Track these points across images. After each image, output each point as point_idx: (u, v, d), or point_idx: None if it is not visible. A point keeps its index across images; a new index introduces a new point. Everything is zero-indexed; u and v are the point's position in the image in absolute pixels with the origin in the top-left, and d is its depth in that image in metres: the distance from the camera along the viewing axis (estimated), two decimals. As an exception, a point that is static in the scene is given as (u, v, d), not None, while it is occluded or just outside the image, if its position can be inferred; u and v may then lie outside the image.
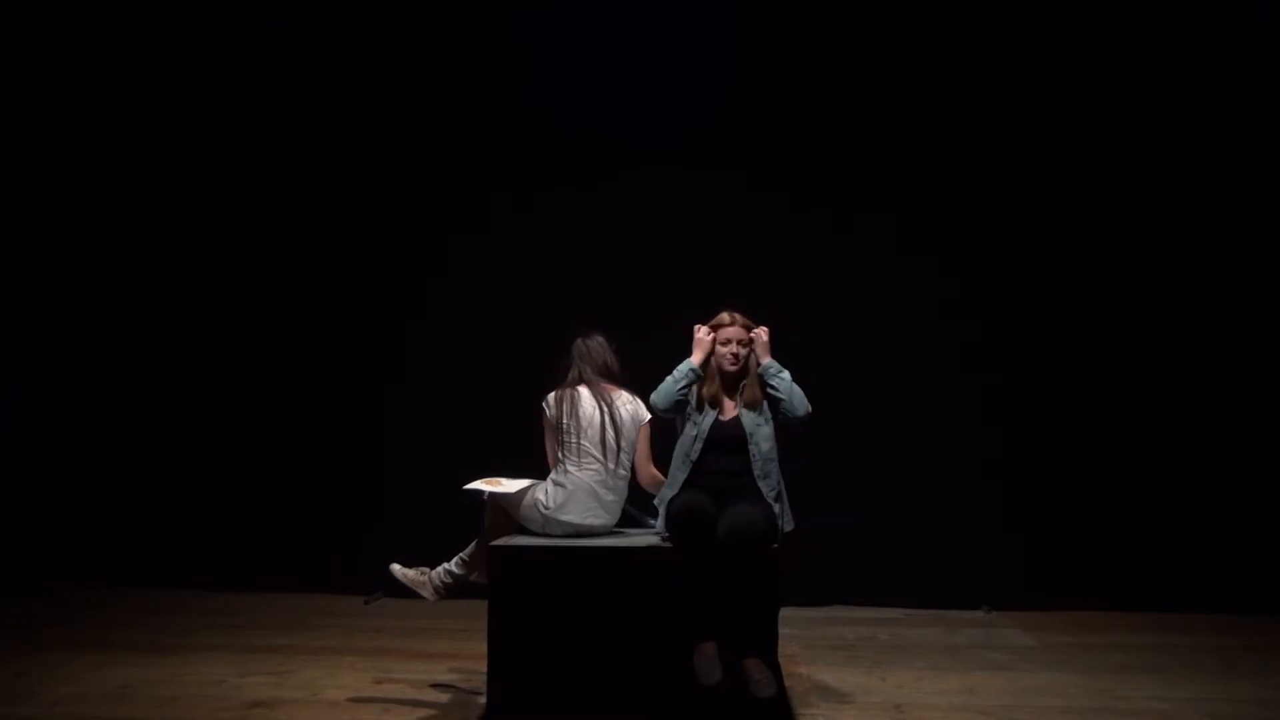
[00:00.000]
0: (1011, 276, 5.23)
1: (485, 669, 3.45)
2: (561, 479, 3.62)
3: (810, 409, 3.57)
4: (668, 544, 3.34)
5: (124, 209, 5.73)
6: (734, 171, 5.35)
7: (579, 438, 3.63)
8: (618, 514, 3.70)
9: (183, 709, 3.53)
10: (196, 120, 5.67)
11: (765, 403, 3.56)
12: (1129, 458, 5.13)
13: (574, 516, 3.59)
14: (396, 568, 3.82)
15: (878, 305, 5.28)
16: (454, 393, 5.38)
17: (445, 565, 3.78)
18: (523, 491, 3.66)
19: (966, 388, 5.20)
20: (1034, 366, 5.20)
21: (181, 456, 5.60)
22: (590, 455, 3.62)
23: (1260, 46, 5.15)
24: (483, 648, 3.44)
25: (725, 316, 3.63)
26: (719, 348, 3.59)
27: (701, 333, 3.62)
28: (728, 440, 3.49)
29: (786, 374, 3.57)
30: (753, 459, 3.46)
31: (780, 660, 3.33)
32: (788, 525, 3.50)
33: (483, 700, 3.52)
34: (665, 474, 3.60)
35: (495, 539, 3.60)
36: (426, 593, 3.77)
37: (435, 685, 3.82)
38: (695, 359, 3.58)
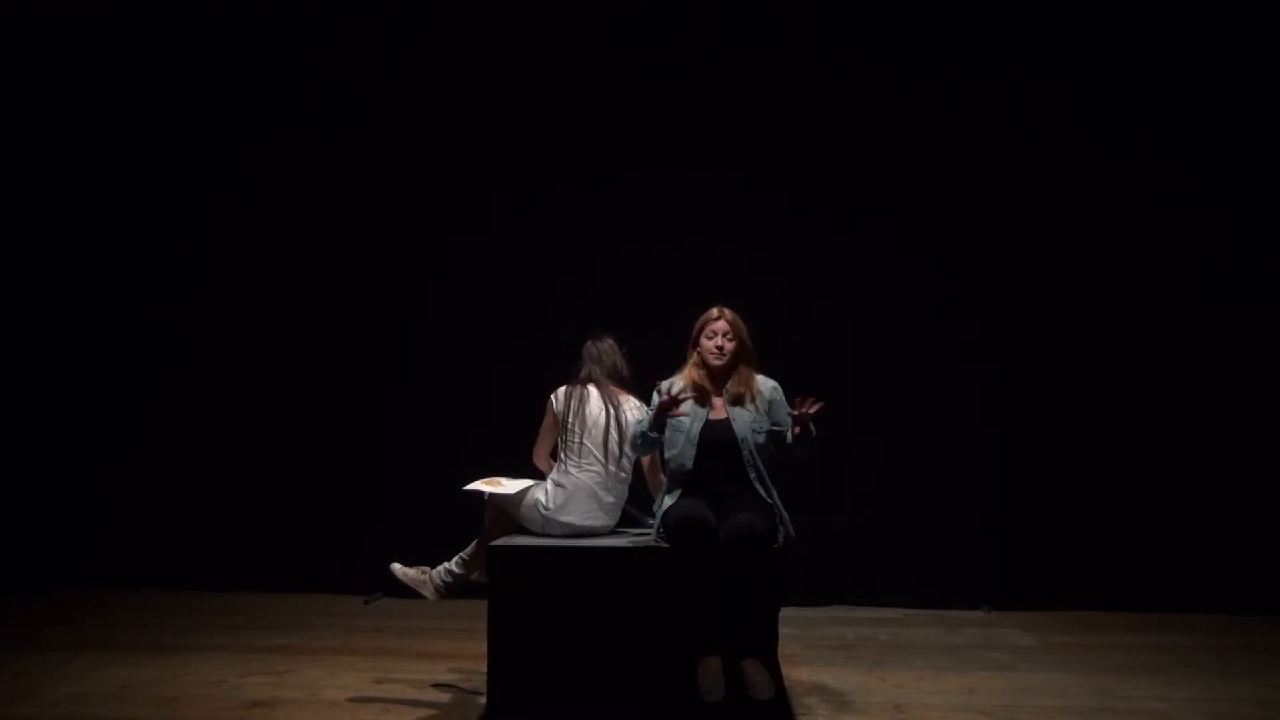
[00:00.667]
0: (1011, 276, 5.23)
1: (485, 669, 3.45)
2: (562, 479, 3.62)
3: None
4: (663, 544, 3.32)
5: (124, 209, 5.73)
6: (734, 171, 5.34)
7: (583, 437, 3.63)
8: (617, 515, 3.70)
9: (183, 709, 3.53)
10: (196, 120, 5.67)
11: (756, 397, 3.47)
12: (1129, 457, 5.13)
13: (574, 517, 3.59)
14: (397, 567, 3.82)
15: (878, 305, 5.28)
16: (454, 393, 5.38)
17: (445, 565, 3.78)
18: (523, 492, 3.66)
19: (966, 387, 5.21)
20: (1034, 366, 5.20)
21: (181, 456, 5.60)
22: (592, 456, 3.62)
23: (1260, 46, 5.15)
24: (483, 648, 3.44)
25: (714, 311, 3.52)
26: (704, 341, 3.48)
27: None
28: (720, 444, 3.40)
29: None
30: (747, 465, 3.39)
31: (780, 660, 3.33)
32: (789, 533, 3.46)
33: (483, 700, 3.52)
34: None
35: (495, 539, 3.60)
36: (427, 592, 3.77)
37: (435, 685, 3.82)
38: (646, 421, 3.43)
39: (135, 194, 5.72)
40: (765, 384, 3.53)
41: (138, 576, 5.54)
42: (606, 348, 3.79)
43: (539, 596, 3.38)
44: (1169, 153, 5.18)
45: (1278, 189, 5.15)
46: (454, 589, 3.78)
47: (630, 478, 3.70)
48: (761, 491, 3.40)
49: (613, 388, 3.72)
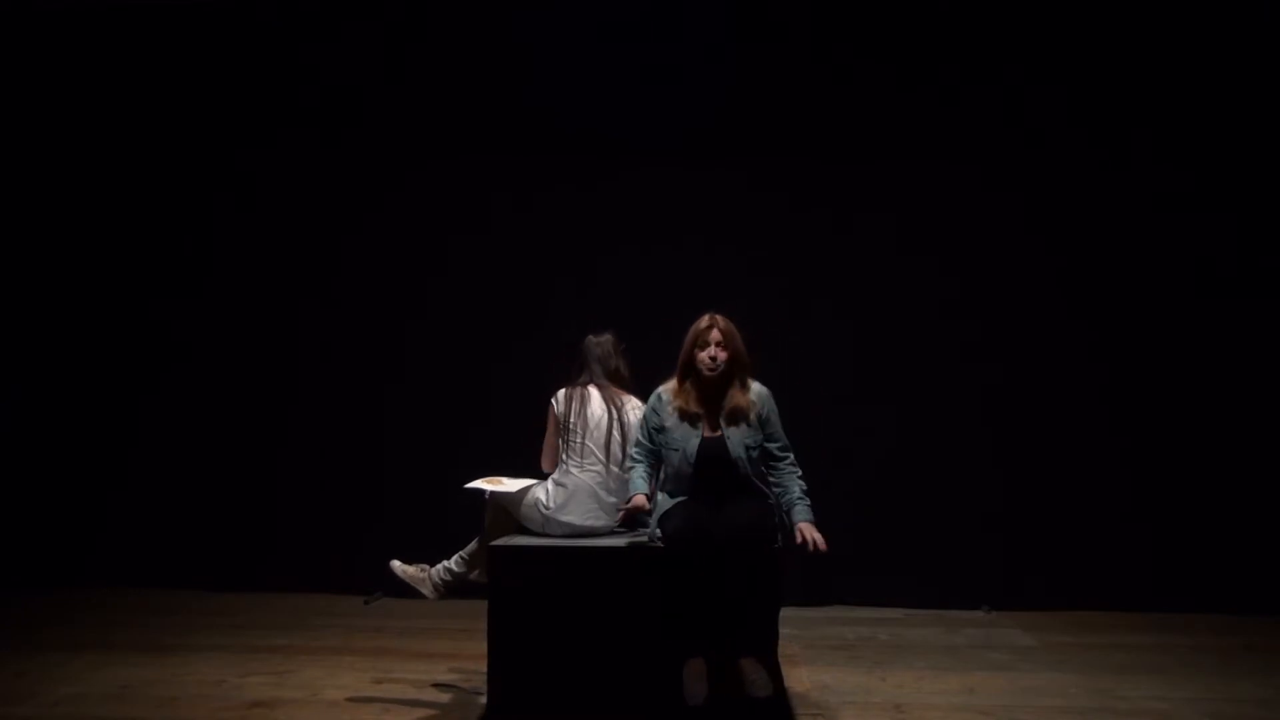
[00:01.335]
0: (1011, 276, 5.23)
1: (485, 669, 3.45)
2: (563, 479, 3.62)
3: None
4: (658, 544, 3.31)
5: (124, 209, 5.73)
6: (734, 171, 5.34)
7: (584, 438, 3.62)
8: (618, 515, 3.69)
9: (183, 709, 3.53)
10: (196, 120, 5.67)
11: (750, 411, 3.40)
12: (1129, 457, 5.13)
13: (574, 517, 3.59)
14: (397, 564, 3.83)
15: (878, 305, 5.28)
16: (454, 393, 5.38)
17: (445, 563, 3.78)
18: (523, 491, 3.66)
19: (966, 387, 5.20)
20: (1034, 366, 5.20)
21: (181, 456, 5.60)
22: (593, 456, 3.62)
23: (1260, 46, 5.15)
24: (483, 648, 3.44)
25: (704, 320, 3.41)
26: (697, 352, 3.38)
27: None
28: (717, 460, 3.36)
29: (806, 499, 3.40)
30: (740, 475, 3.37)
31: (780, 660, 3.33)
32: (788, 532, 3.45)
33: (483, 700, 3.52)
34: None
35: (495, 538, 3.60)
36: (426, 590, 3.77)
37: (435, 685, 3.82)
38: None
39: (135, 194, 5.72)
40: (758, 396, 3.45)
41: (138, 576, 5.54)
42: (607, 347, 3.77)
43: (539, 596, 3.38)
44: (1169, 153, 5.17)
45: (1278, 189, 5.15)
46: (453, 588, 3.78)
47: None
48: (761, 488, 3.40)
49: (614, 389, 3.72)
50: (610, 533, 3.66)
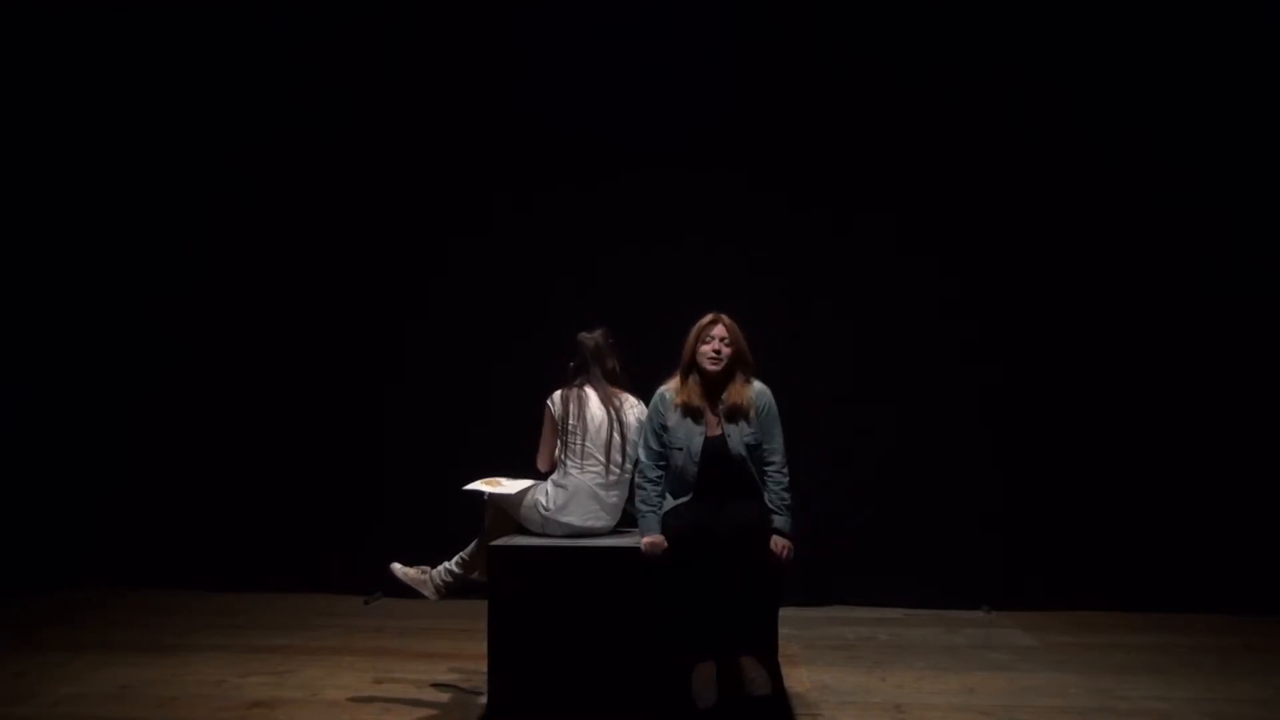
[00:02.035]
0: (1011, 276, 5.23)
1: (485, 669, 3.45)
2: (563, 480, 3.62)
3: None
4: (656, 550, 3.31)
5: (124, 209, 5.72)
6: (734, 171, 5.34)
7: (584, 440, 3.62)
8: (618, 515, 3.69)
9: (183, 709, 3.53)
10: (196, 120, 5.67)
11: (750, 409, 3.41)
12: (1129, 457, 5.13)
13: (574, 518, 3.58)
14: (397, 567, 3.82)
15: (878, 305, 5.28)
16: (454, 393, 5.38)
17: (446, 564, 3.78)
18: (523, 492, 3.66)
19: (966, 387, 5.20)
20: (1034, 366, 5.20)
21: (181, 456, 5.60)
22: (593, 457, 3.61)
23: (1260, 46, 5.15)
24: (483, 648, 3.44)
25: (709, 316, 3.47)
26: (700, 346, 3.42)
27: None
28: (720, 458, 3.38)
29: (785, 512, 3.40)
30: (740, 475, 3.38)
31: (780, 660, 3.33)
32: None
33: (483, 700, 3.52)
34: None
35: (495, 539, 3.60)
36: (428, 591, 3.77)
37: (435, 685, 3.82)
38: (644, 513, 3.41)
39: (135, 194, 5.72)
40: (759, 394, 3.46)
41: (138, 576, 5.54)
42: (603, 345, 3.75)
43: (539, 596, 3.39)
44: (1169, 153, 5.17)
45: (1278, 189, 5.15)
46: (454, 589, 3.78)
47: (630, 477, 3.69)
48: (757, 489, 3.39)
49: (611, 388, 3.71)
50: (610, 533, 3.66)
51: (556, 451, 3.68)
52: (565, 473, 3.62)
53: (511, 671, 3.37)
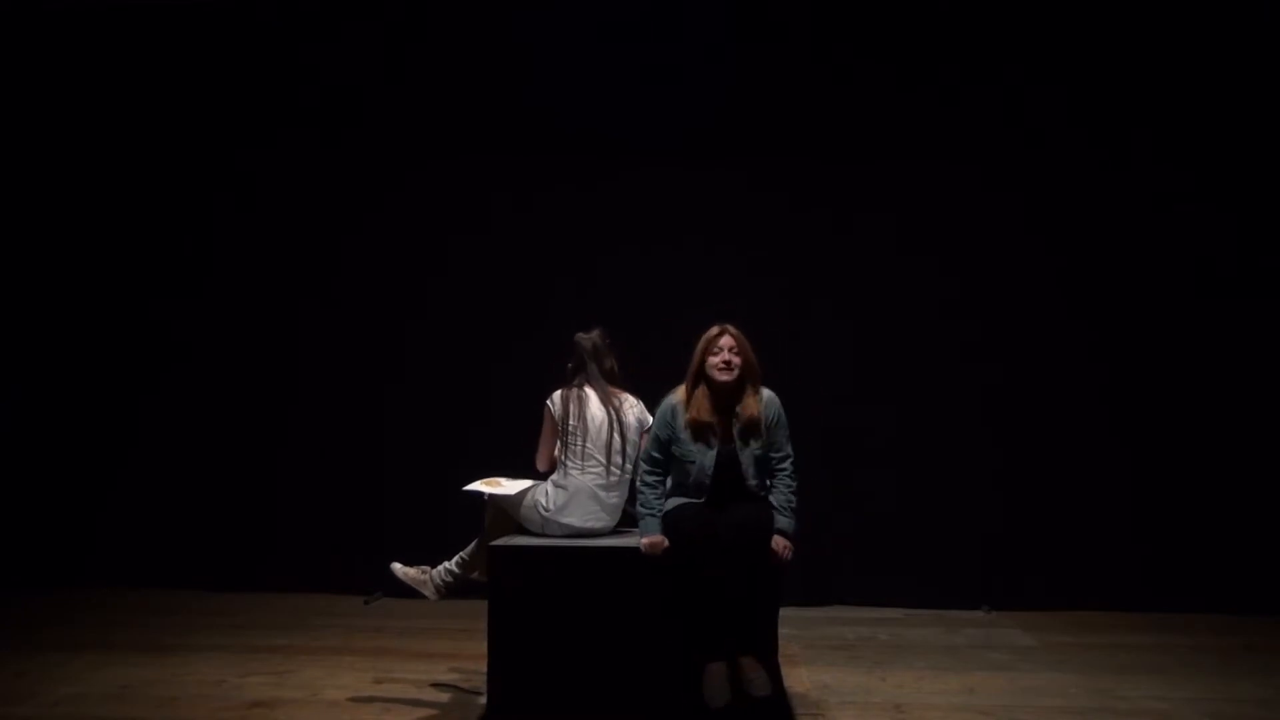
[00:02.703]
0: (1011, 276, 5.23)
1: (485, 669, 3.45)
2: (563, 481, 3.62)
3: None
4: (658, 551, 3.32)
5: (124, 209, 5.72)
6: (734, 171, 5.34)
7: (584, 440, 3.61)
8: (618, 516, 3.69)
9: (183, 709, 3.53)
10: (196, 120, 5.67)
11: (761, 422, 3.39)
12: (1129, 457, 5.13)
13: (574, 519, 3.58)
14: (397, 567, 3.82)
15: (877, 305, 5.28)
16: (454, 393, 5.38)
17: (446, 564, 3.78)
18: (522, 493, 3.66)
19: (966, 387, 5.21)
20: (1034, 366, 5.20)
21: (182, 456, 5.60)
22: (594, 458, 3.61)
23: (1260, 46, 5.14)
24: (483, 648, 3.44)
25: (716, 328, 3.44)
26: (709, 359, 3.39)
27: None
28: (732, 469, 3.39)
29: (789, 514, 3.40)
30: (746, 482, 3.39)
31: (780, 660, 3.33)
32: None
33: (483, 700, 3.52)
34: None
35: (495, 539, 3.60)
36: (428, 591, 3.77)
37: (435, 685, 3.82)
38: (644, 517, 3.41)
39: (135, 194, 5.72)
40: (769, 404, 3.44)
41: (138, 576, 5.54)
42: (601, 345, 3.74)
43: (539, 596, 3.38)
44: (1169, 153, 5.17)
45: (1278, 189, 5.15)
46: (454, 589, 3.78)
47: (631, 478, 3.69)
48: (761, 492, 3.40)
49: (610, 388, 3.71)
50: (611, 533, 3.65)
51: (556, 452, 3.67)
52: (565, 473, 3.62)
53: (511, 671, 3.37)
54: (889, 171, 5.29)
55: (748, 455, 3.38)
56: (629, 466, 3.66)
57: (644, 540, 3.33)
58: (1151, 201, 5.18)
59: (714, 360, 3.39)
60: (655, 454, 3.46)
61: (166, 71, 5.69)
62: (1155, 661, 4.13)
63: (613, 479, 3.63)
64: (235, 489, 5.53)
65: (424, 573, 3.80)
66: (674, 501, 3.41)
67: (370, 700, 3.63)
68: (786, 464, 3.44)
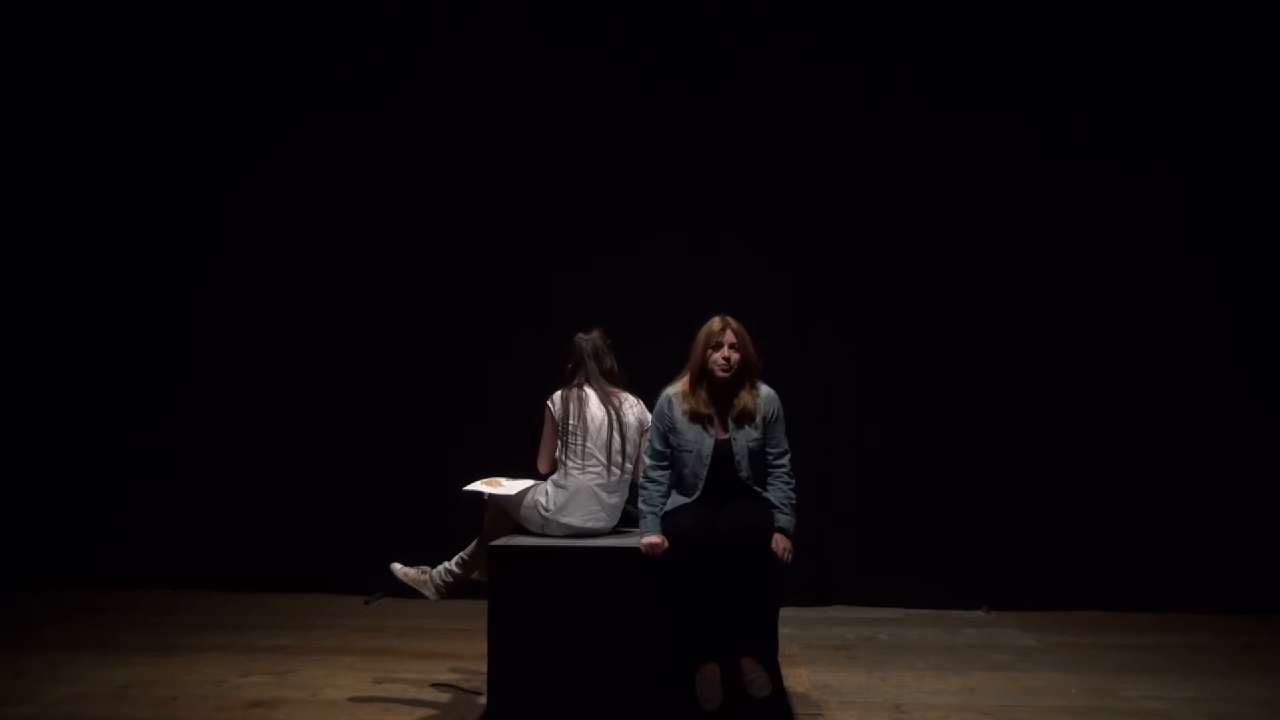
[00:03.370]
0: (1012, 276, 5.22)
1: (485, 669, 3.45)
2: (563, 481, 3.62)
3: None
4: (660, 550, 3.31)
5: (124, 209, 5.72)
6: (735, 171, 5.34)
7: (584, 440, 3.61)
8: (618, 516, 3.69)
9: (183, 709, 3.53)
10: (196, 120, 5.66)
11: (758, 414, 3.40)
12: (1129, 457, 5.13)
13: (575, 519, 3.58)
14: (397, 567, 3.83)
15: (878, 305, 5.28)
16: (454, 393, 5.38)
17: (446, 564, 3.78)
18: (522, 493, 3.65)
19: (967, 387, 5.20)
20: (1034, 366, 5.20)
21: (182, 456, 5.60)
22: (594, 458, 3.61)
23: (1260, 46, 5.14)
24: (483, 648, 3.44)
25: (716, 322, 3.42)
26: (710, 353, 3.39)
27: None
28: (728, 462, 3.38)
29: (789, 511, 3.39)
30: (741, 477, 3.38)
31: (780, 660, 3.33)
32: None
33: (483, 700, 3.52)
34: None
35: (495, 539, 3.60)
36: (428, 591, 3.78)
37: (435, 685, 3.82)
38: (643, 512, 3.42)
39: (135, 194, 5.71)
40: (766, 399, 3.45)
41: (138, 576, 5.54)
42: (600, 345, 3.74)
43: (539, 596, 3.38)
44: (1169, 152, 5.17)
45: (1278, 189, 5.15)
46: (454, 589, 3.78)
47: (631, 478, 3.69)
48: (759, 490, 3.40)
49: (610, 388, 3.71)
50: (611, 533, 3.65)
51: (557, 452, 3.68)
52: (566, 473, 3.62)
53: (511, 672, 3.37)
54: (890, 172, 5.28)
55: (742, 446, 3.38)
56: (629, 466, 3.66)
57: (643, 541, 3.33)
58: (1152, 201, 5.17)
59: (715, 357, 3.39)
60: (658, 446, 3.45)
61: (166, 72, 5.68)
62: (1155, 661, 4.13)
63: (613, 479, 3.63)
64: (235, 489, 5.53)
65: (424, 573, 3.80)
66: (673, 501, 3.41)
67: (370, 700, 3.63)
68: (785, 460, 3.44)
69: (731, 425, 3.40)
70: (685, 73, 5.35)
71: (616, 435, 3.62)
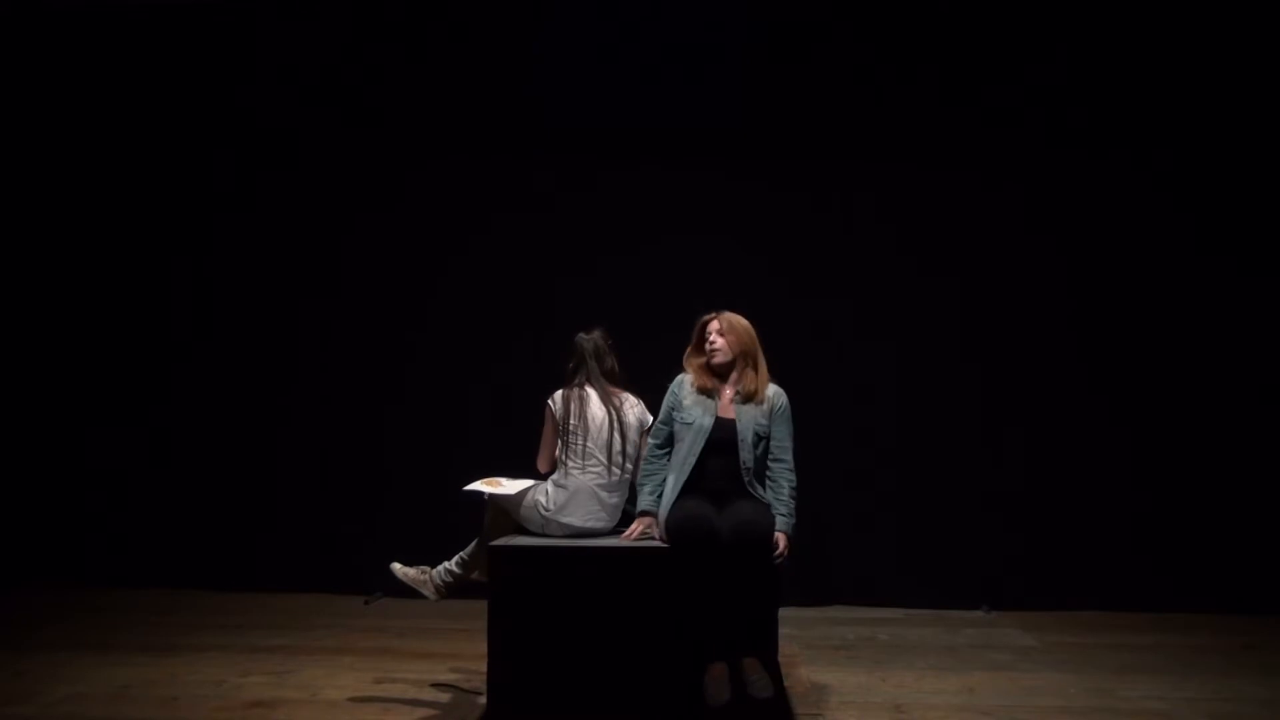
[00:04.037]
0: (1013, 276, 5.23)
1: (485, 669, 3.45)
2: (563, 481, 3.62)
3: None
4: (664, 544, 3.33)
5: (124, 210, 5.72)
6: (736, 171, 5.34)
7: (585, 440, 3.62)
8: (618, 516, 3.69)
9: (183, 709, 3.53)
10: (196, 121, 5.66)
11: (763, 397, 3.47)
12: (1129, 457, 5.13)
13: (575, 519, 3.58)
14: (397, 567, 3.83)
15: (878, 305, 5.28)
16: (454, 392, 5.38)
17: (446, 564, 3.78)
18: (522, 493, 3.65)
19: (966, 387, 5.20)
20: (1035, 366, 5.20)
21: (182, 456, 5.60)
22: (594, 458, 3.61)
23: (1261, 46, 5.14)
24: (483, 648, 3.44)
25: (709, 313, 3.60)
26: (705, 346, 3.56)
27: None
28: (726, 441, 3.41)
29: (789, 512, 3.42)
30: (743, 466, 3.39)
31: (780, 660, 3.33)
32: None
33: (483, 700, 3.52)
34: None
35: (495, 539, 3.60)
36: (428, 591, 3.78)
37: (435, 685, 3.82)
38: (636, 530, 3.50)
39: (135, 194, 5.72)
40: (775, 395, 3.52)
41: (138, 576, 5.54)
42: (601, 344, 3.75)
43: (539, 596, 3.38)
44: (1169, 152, 5.17)
45: (1278, 189, 5.14)
46: (454, 589, 3.78)
47: (631, 478, 3.70)
48: (758, 492, 3.40)
49: (610, 387, 3.71)
50: (611, 533, 3.65)
51: (557, 452, 3.68)
52: (566, 473, 3.62)
53: (511, 672, 3.37)
54: (892, 172, 5.28)
55: (747, 423, 3.42)
56: (629, 466, 3.66)
57: (635, 524, 3.47)
58: (1152, 201, 5.17)
59: (706, 346, 3.56)
60: (661, 424, 3.56)
61: (166, 72, 5.68)
62: (1155, 661, 4.13)
63: (613, 479, 3.63)
64: (235, 489, 5.53)
65: (424, 573, 3.80)
66: (671, 487, 3.41)
67: (370, 700, 3.63)
68: (787, 458, 3.46)
69: (737, 403, 3.46)
70: (685, 73, 5.35)
71: (617, 435, 3.62)
